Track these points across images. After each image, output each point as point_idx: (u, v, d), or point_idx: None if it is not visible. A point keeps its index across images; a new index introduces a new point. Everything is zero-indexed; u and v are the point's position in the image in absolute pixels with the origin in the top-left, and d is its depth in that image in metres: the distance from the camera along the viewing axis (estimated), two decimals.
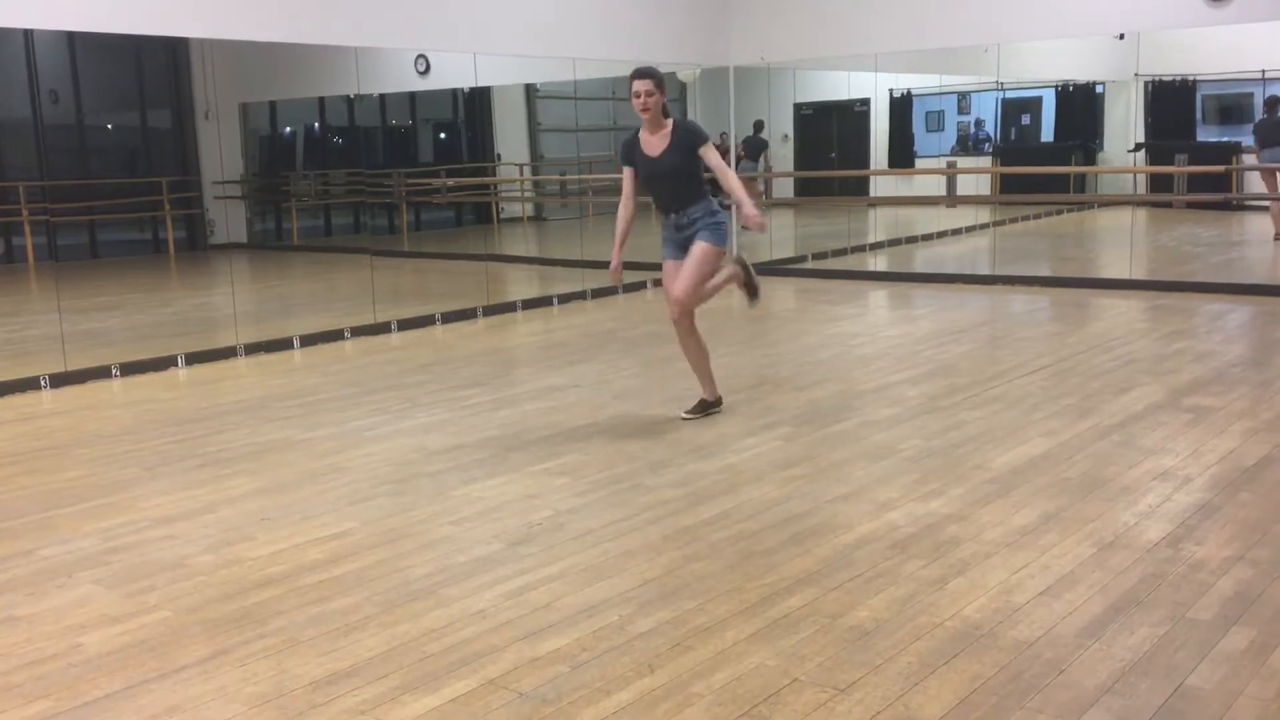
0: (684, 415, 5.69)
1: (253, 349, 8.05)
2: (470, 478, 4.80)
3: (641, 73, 5.43)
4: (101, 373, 7.29)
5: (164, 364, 7.59)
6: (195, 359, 7.74)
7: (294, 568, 3.81)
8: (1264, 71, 12.94)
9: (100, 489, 4.83)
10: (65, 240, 12.42)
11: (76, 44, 12.75)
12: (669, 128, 5.46)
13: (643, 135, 5.53)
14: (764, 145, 14.01)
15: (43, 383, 7.03)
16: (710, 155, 5.42)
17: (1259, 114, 12.75)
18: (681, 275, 5.50)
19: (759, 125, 13.78)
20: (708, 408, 5.76)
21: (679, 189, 5.48)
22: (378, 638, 3.23)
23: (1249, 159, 13.21)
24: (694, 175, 5.47)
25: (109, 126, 14.44)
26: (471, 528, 4.17)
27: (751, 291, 5.82)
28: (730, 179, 5.42)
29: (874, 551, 3.79)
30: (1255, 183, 12.93)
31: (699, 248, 5.45)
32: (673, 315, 5.61)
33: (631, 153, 5.56)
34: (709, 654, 3.06)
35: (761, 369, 6.76)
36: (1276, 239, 11.93)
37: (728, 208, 6.12)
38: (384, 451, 5.28)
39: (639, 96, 5.39)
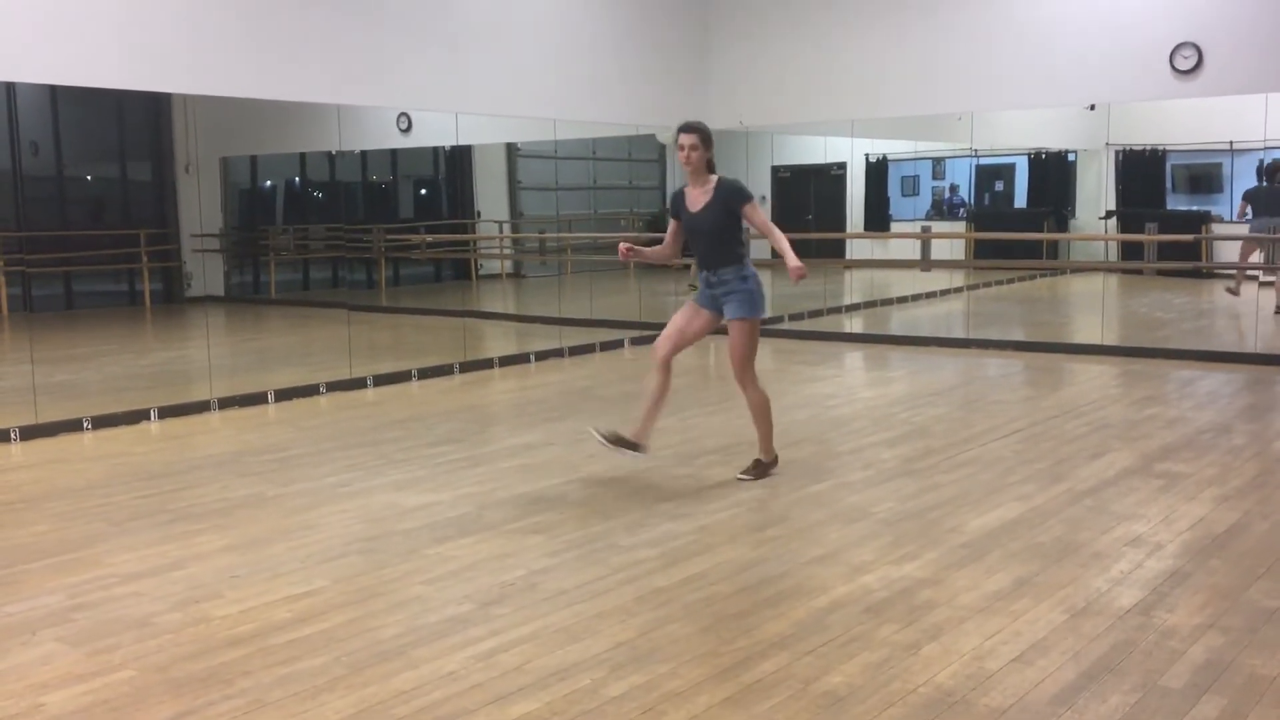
0: (739, 476, 5.65)
1: (227, 403, 8.01)
2: (443, 536, 4.77)
3: (688, 127, 5.51)
4: (73, 425, 7.22)
5: (136, 417, 7.53)
6: (168, 412, 7.68)
7: (262, 627, 3.76)
8: (1232, 142, 13.20)
9: (67, 544, 4.76)
10: (40, 291, 12.34)
11: (58, 96, 12.79)
12: (712, 184, 5.52)
13: (688, 189, 5.60)
14: None
15: (12, 435, 6.95)
16: (754, 215, 5.51)
17: (1227, 184, 12.98)
18: (732, 358, 5.59)
19: None
20: (763, 468, 5.75)
21: (713, 247, 5.55)
22: (346, 699, 3.19)
23: (1218, 228, 13.43)
24: (729, 235, 5.54)
25: (89, 178, 14.43)
26: (443, 587, 4.13)
27: (619, 441, 5.71)
28: (777, 237, 5.56)
29: (848, 615, 3.78)
30: (1228, 252, 13.10)
31: (734, 327, 5.54)
32: (659, 355, 5.65)
33: (678, 205, 5.66)
34: (681, 719, 3.03)
35: (737, 429, 6.76)
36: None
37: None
38: (356, 509, 5.24)
39: (683, 149, 5.47)
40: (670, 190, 5.71)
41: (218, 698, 3.21)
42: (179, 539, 4.80)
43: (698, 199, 5.53)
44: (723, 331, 5.72)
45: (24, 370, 7.92)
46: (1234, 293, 12.47)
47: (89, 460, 6.54)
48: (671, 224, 5.73)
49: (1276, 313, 11.95)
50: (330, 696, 3.21)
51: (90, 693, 3.27)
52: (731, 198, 5.50)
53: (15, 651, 3.59)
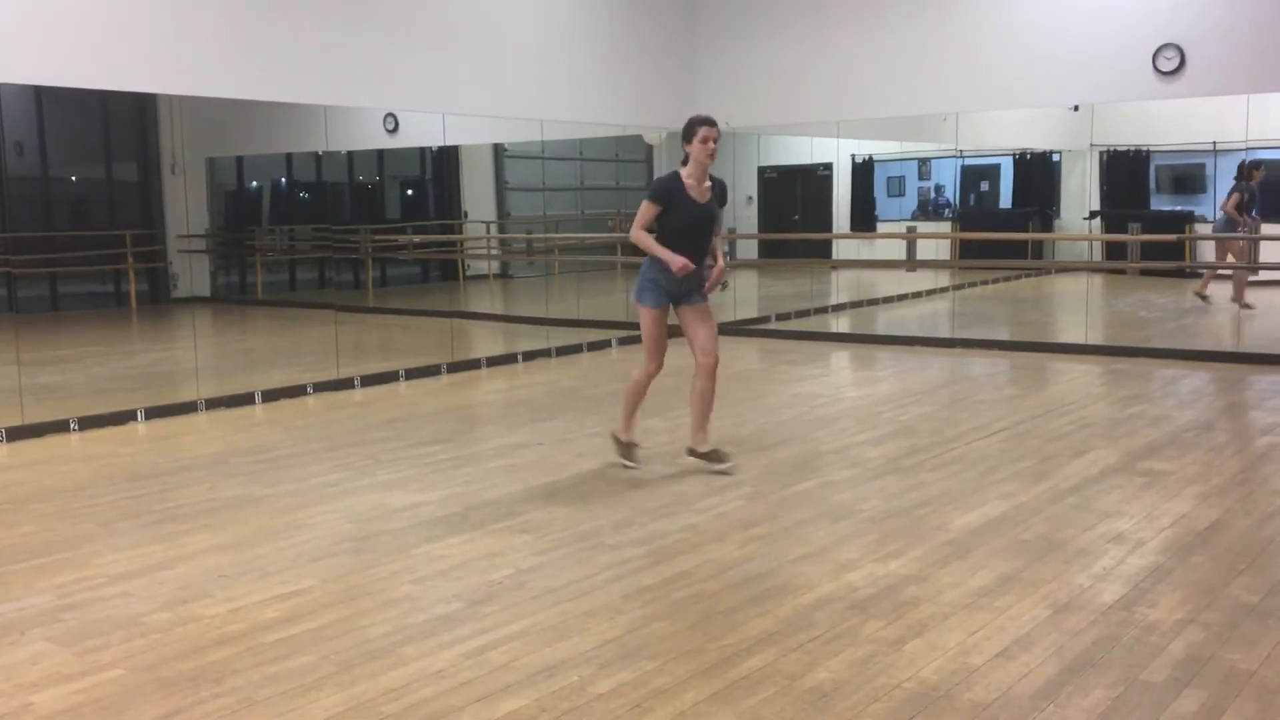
0: (714, 469, 5.75)
1: (214, 404, 8.00)
2: (431, 535, 4.79)
3: (714, 121, 5.59)
4: (59, 427, 7.21)
5: (123, 418, 7.52)
6: (155, 413, 7.67)
7: (251, 626, 3.77)
8: (1215, 143, 13.29)
9: (55, 545, 4.76)
10: (25, 292, 12.29)
11: (44, 97, 12.75)
12: (708, 181, 5.65)
13: (687, 181, 5.59)
14: None
15: None
16: (720, 215, 5.78)
17: (1210, 185, 13.05)
18: (711, 338, 5.73)
19: None
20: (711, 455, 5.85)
21: (704, 241, 5.68)
22: (335, 698, 3.20)
23: (1201, 228, 13.52)
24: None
25: (74, 179, 14.39)
26: (432, 586, 4.15)
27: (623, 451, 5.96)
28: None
29: (834, 612, 3.81)
30: (1210, 252, 13.19)
31: (708, 309, 5.76)
32: (651, 371, 5.79)
33: (671, 194, 5.56)
34: (669, 715, 3.06)
35: (724, 428, 6.79)
36: (1236, 303, 12.08)
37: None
38: (345, 508, 5.25)
39: (710, 142, 5.53)
40: None
41: (207, 696, 3.23)
42: (167, 539, 4.81)
43: (702, 193, 5.60)
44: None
45: (10, 371, 7.90)
46: (1203, 298, 12.52)
47: (76, 461, 6.53)
48: (654, 208, 5.53)
49: (1233, 300, 12.01)
50: (319, 694, 3.23)
51: (80, 692, 3.28)
52: (723, 196, 5.72)
53: (4, 652, 3.60)
